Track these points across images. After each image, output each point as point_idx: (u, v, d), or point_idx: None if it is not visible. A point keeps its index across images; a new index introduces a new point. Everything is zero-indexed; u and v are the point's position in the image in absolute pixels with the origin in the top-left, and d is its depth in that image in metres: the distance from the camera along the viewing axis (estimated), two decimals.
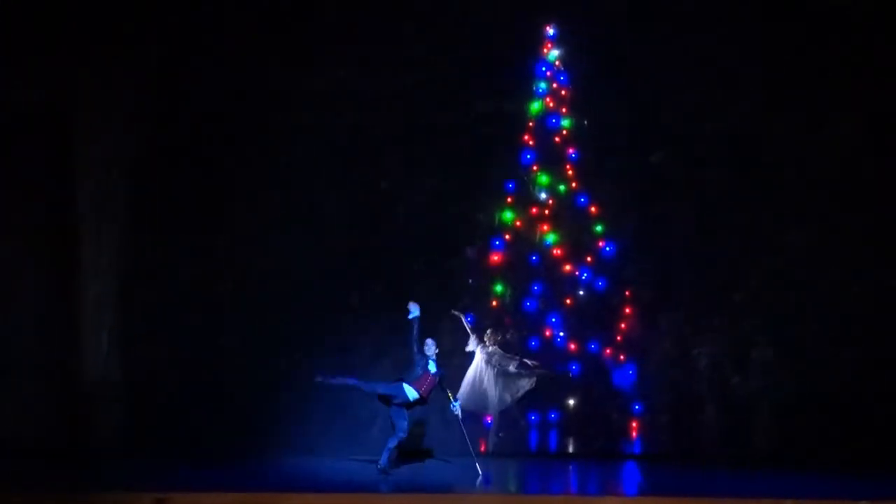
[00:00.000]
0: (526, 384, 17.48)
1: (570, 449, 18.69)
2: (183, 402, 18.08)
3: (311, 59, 19.21)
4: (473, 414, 17.55)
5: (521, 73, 19.65)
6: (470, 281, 19.34)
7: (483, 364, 17.47)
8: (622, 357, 18.96)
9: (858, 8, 18.36)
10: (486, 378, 17.41)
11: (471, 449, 16.23)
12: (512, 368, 17.50)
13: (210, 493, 14.30)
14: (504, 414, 18.05)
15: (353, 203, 19.17)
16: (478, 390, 17.34)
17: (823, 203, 18.53)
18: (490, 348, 17.54)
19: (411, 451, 17.14)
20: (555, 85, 19.92)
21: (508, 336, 18.22)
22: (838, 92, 18.49)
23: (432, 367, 16.00)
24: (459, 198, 19.23)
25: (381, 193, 19.17)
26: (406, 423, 16.00)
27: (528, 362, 17.61)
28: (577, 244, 19.39)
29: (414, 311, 16.04)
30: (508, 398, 17.52)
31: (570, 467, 17.46)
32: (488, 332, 17.72)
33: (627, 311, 19.19)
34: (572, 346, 19.00)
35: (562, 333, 19.03)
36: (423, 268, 18.98)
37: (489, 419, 18.38)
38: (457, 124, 19.16)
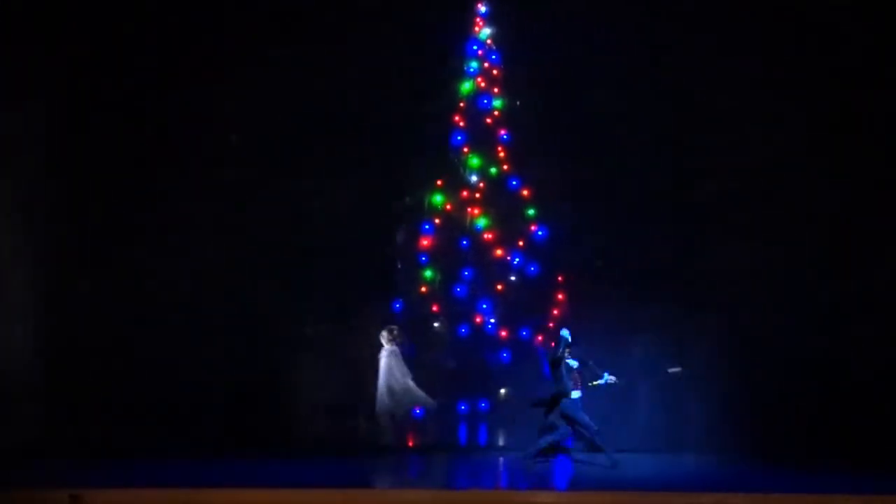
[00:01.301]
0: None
1: (501, 442, 18.27)
2: (98, 400, 17.54)
3: (243, 60, 18.59)
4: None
5: (451, 54, 19.30)
6: (399, 266, 18.86)
7: (390, 362, 17.31)
8: (553, 344, 18.48)
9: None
10: (397, 375, 17.29)
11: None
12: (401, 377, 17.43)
13: (124, 490, 14.01)
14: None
15: (281, 200, 18.59)
16: (396, 388, 17.21)
17: (766, 197, 18.14)
18: (391, 348, 17.37)
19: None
20: (486, 64, 19.50)
21: (398, 332, 17.79)
22: (769, 98, 18.13)
23: (573, 363, 16.35)
24: (388, 186, 18.83)
25: (306, 190, 18.64)
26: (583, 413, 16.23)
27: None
28: (509, 228, 18.97)
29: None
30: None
31: (501, 460, 17.01)
32: (384, 332, 17.47)
33: (560, 297, 18.79)
34: (503, 333, 18.62)
35: (492, 320, 18.61)
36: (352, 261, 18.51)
37: (417, 409, 18.10)
38: (386, 109, 18.64)
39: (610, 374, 16.49)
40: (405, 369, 17.54)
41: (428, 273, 18.84)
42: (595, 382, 16.40)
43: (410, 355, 18.31)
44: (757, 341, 17.48)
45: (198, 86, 18.45)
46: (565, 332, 16.40)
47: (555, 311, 18.73)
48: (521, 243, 18.93)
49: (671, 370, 16.75)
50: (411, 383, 17.48)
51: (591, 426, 16.11)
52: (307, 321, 18.40)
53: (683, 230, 18.21)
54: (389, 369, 17.38)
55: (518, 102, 19.32)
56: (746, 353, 17.50)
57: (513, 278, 18.87)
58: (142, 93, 18.31)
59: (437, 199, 19.01)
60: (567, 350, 16.26)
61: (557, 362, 16.19)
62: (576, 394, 16.17)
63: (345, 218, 18.55)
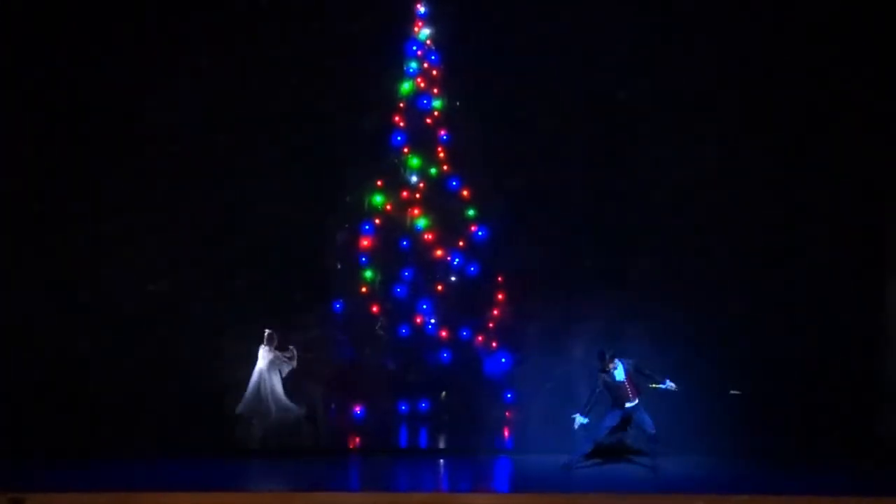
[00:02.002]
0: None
1: (441, 443, 17.98)
2: (40, 403, 17.19)
3: (175, 63, 18.30)
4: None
5: (391, 54, 19.29)
6: (339, 266, 18.80)
7: (264, 365, 16.97)
8: (494, 344, 18.62)
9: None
10: (271, 382, 16.94)
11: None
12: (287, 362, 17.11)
13: (67, 493, 13.99)
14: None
15: (220, 203, 18.37)
16: (264, 395, 16.89)
17: (705, 195, 18.01)
18: (268, 351, 17.02)
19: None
20: (426, 65, 19.53)
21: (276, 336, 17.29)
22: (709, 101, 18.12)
23: (620, 375, 15.53)
24: (328, 187, 18.66)
25: (246, 192, 18.38)
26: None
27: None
28: (449, 228, 19.04)
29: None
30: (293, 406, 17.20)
31: (441, 462, 16.95)
32: (266, 335, 17.10)
33: (500, 297, 18.88)
34: (443, 334, 18.67)
35: (433, 320, 18.64)
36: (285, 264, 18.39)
37: (358, 409, 18.07)
38: (326, 110, 18.52)
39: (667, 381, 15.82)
40: (277, 375, 17.03)
41: (368, 273, 18.84)
42: (655, 385, 15.88)
43: (349, 356, 18.36)
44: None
45: (127, 92, 18.13)
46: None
47: (495, 312, 18.83)
48: (461, 244, 18.99)
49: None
50: (280, 390, 17.03)
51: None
52: (249, 324, 18.13)
53: (627, 231, 18.18)
54: (262, 373, 16.98)
55: (458, 103, 19.35)
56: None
57: (453, 279, 18.94)
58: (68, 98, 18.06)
59: (377, 199, 19.00)
60: (609, 364, 15.60)
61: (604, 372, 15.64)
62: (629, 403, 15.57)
63: (284, 219, 18.38)
